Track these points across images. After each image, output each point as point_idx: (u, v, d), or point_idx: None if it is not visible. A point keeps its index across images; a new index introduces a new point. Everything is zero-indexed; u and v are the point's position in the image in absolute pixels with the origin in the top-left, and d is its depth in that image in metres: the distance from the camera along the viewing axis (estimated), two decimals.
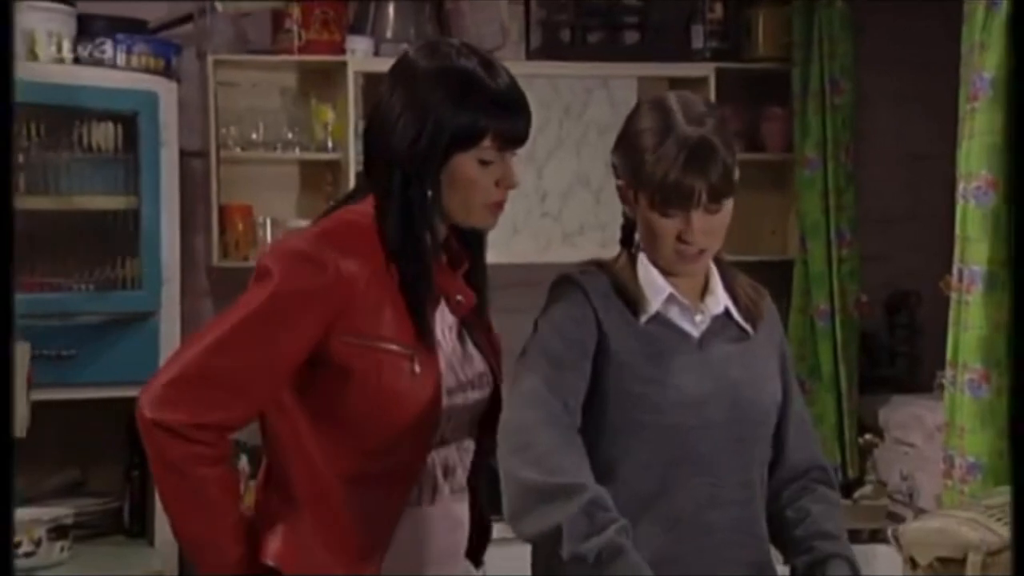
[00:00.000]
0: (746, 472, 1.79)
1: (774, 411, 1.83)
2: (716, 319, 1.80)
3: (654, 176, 1.70)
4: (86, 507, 3.27)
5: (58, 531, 2.95)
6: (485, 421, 1.83)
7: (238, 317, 1.68)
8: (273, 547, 1.72)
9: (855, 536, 3.41)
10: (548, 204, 3.95)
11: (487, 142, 1.70)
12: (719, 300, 1.81)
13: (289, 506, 1.75)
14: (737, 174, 1.75)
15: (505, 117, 1.70)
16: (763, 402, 1.81)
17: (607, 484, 1.72)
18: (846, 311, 3.95)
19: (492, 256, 3.74)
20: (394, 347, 1.69)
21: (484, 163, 1.71)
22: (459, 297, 1.78)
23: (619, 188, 1.80)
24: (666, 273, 1.78)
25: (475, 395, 1.80)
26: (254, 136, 3.88)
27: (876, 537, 3.23)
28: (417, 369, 1.69)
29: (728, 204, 1.74)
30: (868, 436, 3.70)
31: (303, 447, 1.74)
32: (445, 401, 1.74)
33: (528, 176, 3.90)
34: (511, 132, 1.72)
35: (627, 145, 1.77)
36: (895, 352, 4.15)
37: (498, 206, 1.77)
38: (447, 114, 1.67)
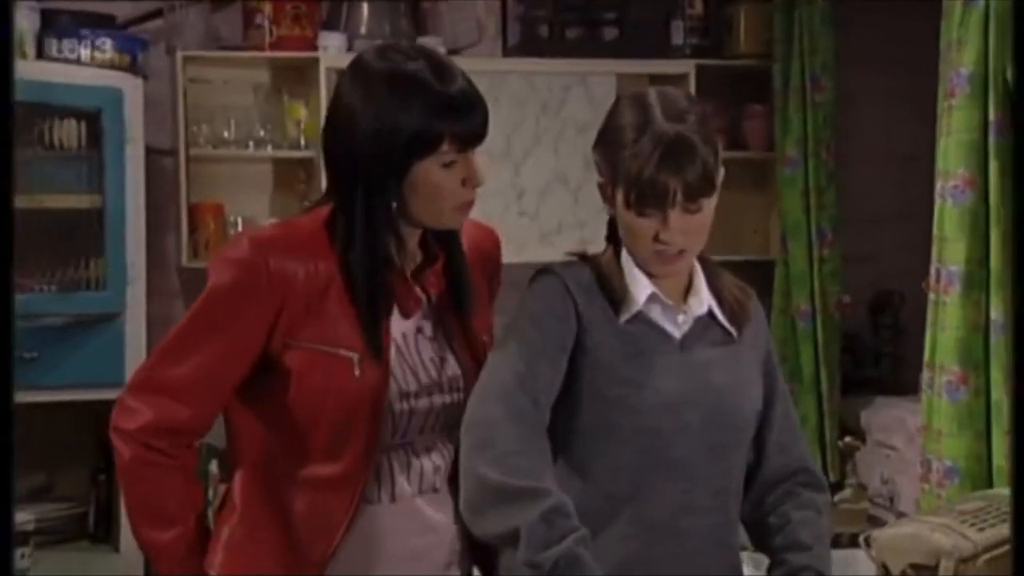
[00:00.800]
0: (722, 479, 1.76)
1: (754, 418, 1.80)
2: (699, 320, 1.77)
3: (629, 173, 1.67)
4: (49, 512, 3.24)
5: (18, 537, 2.92)
6: None
7: (181, 324, 1.71)
8: (213, 556, 1.73)
9: (835, 541, 3.40)
10: (525, 203, 3.93)
11: (445, 146, 1.67)
12: (703, 301, 1.78)
13: (232, 511, 1.75)
14: (721, 173, 1.72)
15: (460, 118, 1.68)
16: (744, 408, 1.77)
17: (580, 484, 1.70)
18: (827, 312, 3.94)
19: None
20: (335, 350, 1.68)
21: (447, 166, 1.69)
22: (406, 298, 1.75)
23: (600, 186, 1.77)
24: (649, 273, 1.75)
25: (446, 398, 1.77)
26: (226, 134, 3.86)
27: (856, 542, 3.21)
28: (358, 372, 1.67)
29: (709, 204, 1.70)
30: (848, 439, 3.68)
31: (250, 451, 1.75)
32: (403, 404, 1.72)
33: (504, 174, 3.90)
34: (468, 132, 1.69)
35: (606, 141, 1.73)
36: (879, 353, 4.15)
37: (468, 206, 1.74)
38: (401, 123, 1.66)
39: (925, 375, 2.83)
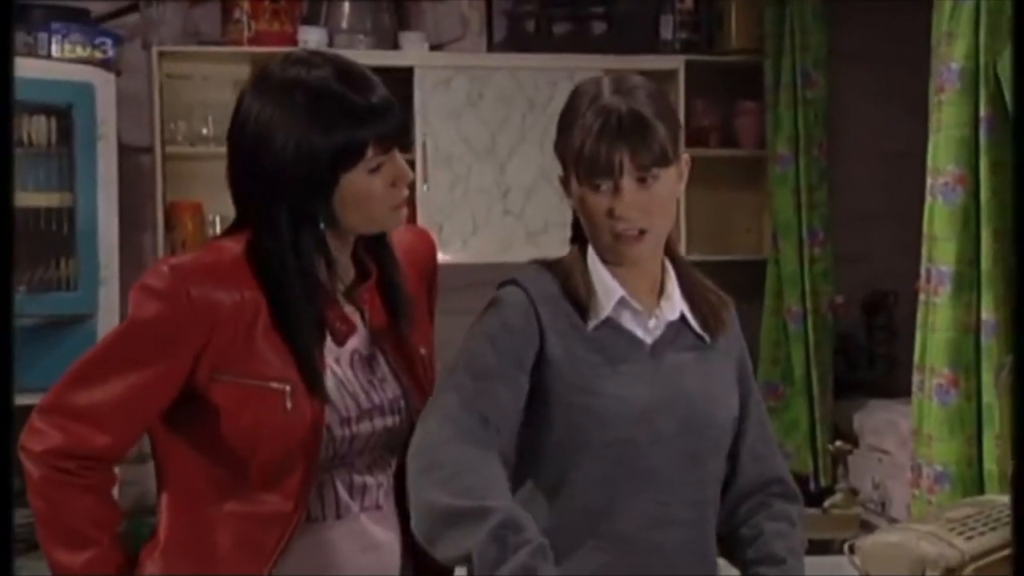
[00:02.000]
0: (698, 490, 1.71)
1: (730, 425, 1.75)
2: (671, 325, 1.72)
3: (576, 147, 1.62)
4: (22, 519, 3.19)
5: None
6: (409, 437, 1.73)
7: (97, 350, 1.64)
8: None
9: (826, 547, 3.37)
10: (510, 201, 3.91)
11: (370, 152, 1.62)
12: (675, 305, 1.73)
13: (155, 545, 1.69)
14: (676, 147, 1.67)
15: (380, 122, 1.62)
16: (718, 415, 1.73)
17: (553, 500, 1.66)
18: (819, 312, 3.93)
19: (450, 255, 3.90)
20: (265, 383, 1.61)
21: (373, 171, 1.63)
22: (339, 325, 1.69)
23: (560, 179, 1.71)
24: (613, 263, 1.70)
25: (386, 421, 1.71)
26: (204, 131, 3.83)
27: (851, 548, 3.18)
28: (289, 405, 1.61)
29: (664, 176, 1.64)
30: (839, 443, 3.66)
31: (175, 480, 1.69)
32: (343, 431, 1.67)
33: (490, 172, 3.89)
34: (390, 133, 1.64)
35: (561, 127, 1.68)
36: (873, 354, 4.14)
37: (403, 204, 1.68)
38: (319, 138, 1.60)
39: (915, 378, 2.80)
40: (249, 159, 1.63)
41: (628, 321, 1.71)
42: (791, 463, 3.77)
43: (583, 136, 1.63)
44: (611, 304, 1.70)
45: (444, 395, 1.63)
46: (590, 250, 1.73)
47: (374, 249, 1.74)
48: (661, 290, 1.74)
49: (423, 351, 1.77)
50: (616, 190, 1.63)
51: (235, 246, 1.64)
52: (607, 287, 1.70)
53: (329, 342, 1.66)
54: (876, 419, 3.73)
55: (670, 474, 1.68)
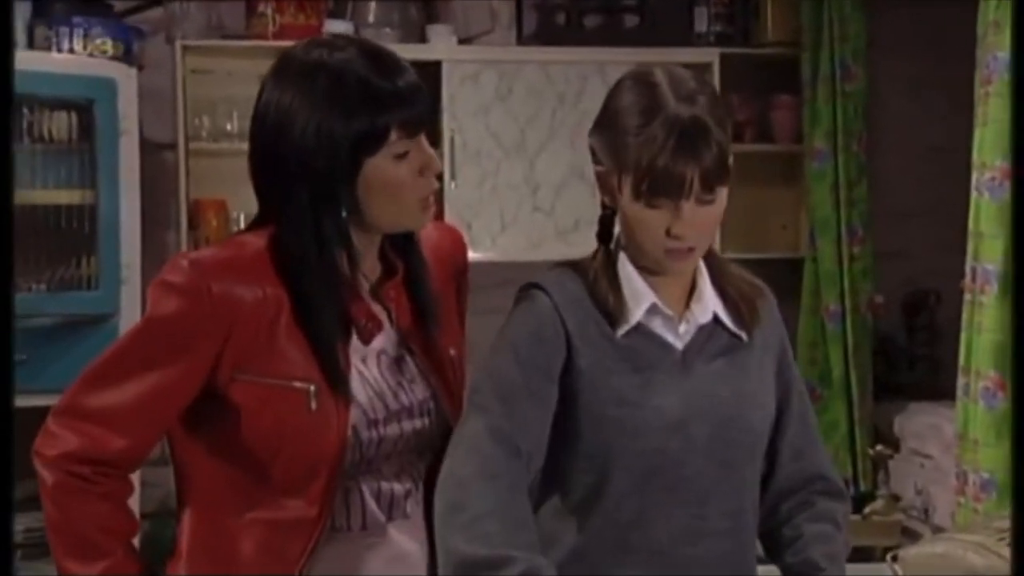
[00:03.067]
0: (734, 499, 1.66)
1: (767, 429, 1.70)
2: (703, 328, 1.67)
3: (639, 162, 1.55)
4: (37, 522, 3.16)
5: None
6: (439, 442, 1.70)
7: (114, 349, 1.60)
8: None
9: (866, 555, 3.30)
10: (540, 198, 3.87)
11: (394, 135, 1.58)
12: (707, 307, 1.67)
13: (178, 559, 1.65)
14: (731, 160, 1.61)
15: (404, 104, 1.58)
16: (754, 421, 1.67)
17: (582, 515, 1.62)
18: (858, 312, 3.88)
19: (479, 254, 3.85)
20: (288, 383, 1.57)
21: (399, 157, 1.59)
22: (365, 321, 1.65)
23: (598, 175, 1.65)
24: (649, 272, 1.65)
25: (415, 424, 1.67)
26: (228, 127, 3.81)
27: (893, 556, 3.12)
28: (314, 405, 1.57)
29: (722, 194, 1.58)
30: (879, 447, 3.60)
31: (196, 490, 1.65)
32: (370, 433, 1.63)
33: (519, 168, 3.85)
34: (415, 117, 1.60)
35: (608, 126, 1.60)
36: (914, 356, 4.09)
37: (431, 198, 1.63)
38: (340, 122, 1.55)
39: (961, 380, 2.74)
40: (271, 146, 1.59)
41: (659, 327, 1.65)
42: None
43: (653, 151, 1.55)
44: (641, 311, 1.64)
45: (471, 422, 1.58)
46: (621, 252, 1.67)
47: (401, 246, 1.69)
48: (692, 290, 1.68)
49: (452, 352, 1.72)
50: (677, 210, 1.57)
51: (257, 241, 1.60)
52: (637, 293, 1.64)
53: (355, 341, 1.62)
54: (918, 422, 3.68)
55: (704, 484, 1.63)
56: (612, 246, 1.69)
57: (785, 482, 1.73)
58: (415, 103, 1.59)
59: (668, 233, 1.58)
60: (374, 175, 1.58)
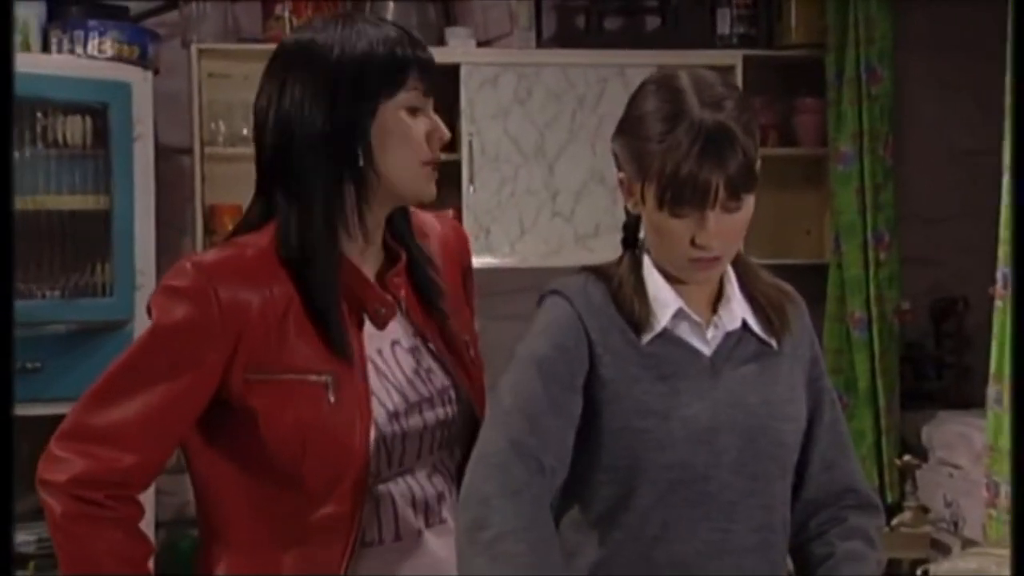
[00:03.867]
0: (763, 515, 1.62)
1: (798, 441, 1.66)
2: (731, 334, 1.63)
3: (663, 169, 1.52)
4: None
5: (17, 559, 2.84)
6: (468, 438, 1.68)
7: (118, 364, 1.56)
8: None
9: (895, 567, 3.25)
10: (560, 203, 3.83)
11: (412, 82, 1.58)
12: (735, 313, 1.64)
13: (210, 567, 1.62)
14: (759, 165, 1.58)
15: (419, 62, 1.58)
16: (785, 432, 1.63)
17: (604, 529, 1.59)
18: (884, 319, 3.82)
19: (497, 259, 3.83)
20: (303, 376, 1.55)
21: (412, 112, 1.60)
22: (378, 306, 1.63)
23: (621, 181, 1.63)
24: (676, 279, 1.62)
25: (439, 413, 1.65)
26: (245, 131, 3.77)
27: (922, 570, 3.07)
28: (332, 398, 1.55)
29: (749, 201, 1.55)
30: (907, 457, 3.55)
31: (222, 513, 1.61)
32: (393, 426, 1.60)
33: (538, 173, 3.82)
34: (428, 78, 1.60)
35: (630, 132, 1.58)
36: (942, 364, 4.03)
37: (434, 166, 1.63)
38: (359, 70, 1.55)
39: (992, 389, 2.69)
40: (276, 127, 1.56)
41: (685, 333, 1.62)
42: None
43: (677, 158, 1.52)
44: (667, 316, 1.61)
45: (493, 436, 1.55)
46: (645, 256, 1.64)
47: (400, 234, 1.68)
48: (720, 295, 1.64)
49: (466, 338, 1.70)
50: (702, 219, 1.54)
51: (258, 240, 1.58)
52: (663, 298, 1.61)
53: (369, 329, 1.60)
54: (947, 432, 3.62)
55: (732, 498, 1.59)
56: (637, 251, 1.66)
57: (815, 494, 1.69)
58: (429, 67, 1.60)
59: (693, 242, 1.55)
60: (389, 121, 1.57)
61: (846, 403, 3.81)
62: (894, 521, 3.48)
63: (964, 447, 3.50)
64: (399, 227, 1.68)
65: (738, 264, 1.67)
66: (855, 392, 3.83)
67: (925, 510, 3.50)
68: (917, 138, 4.10)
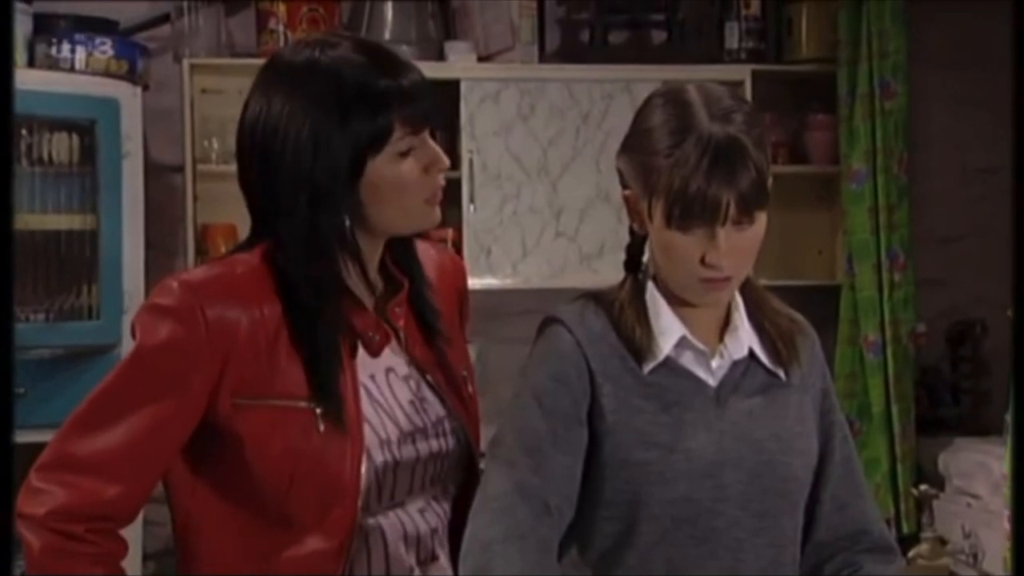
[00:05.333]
0: (771, 553, 1.58)
1: (808, 475, 1.62)
2: (738, 363, 1.60)
3: (671, 184, 1.49)
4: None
5: None
6: (462, 473, 1.67)
7: (100, 389, 1.52)
8: None
9: None
10: (564, 222, 3.80)
11: (397, 132, 1.53)
12: (742, 341, 1.60)
13: None
14: (770, 181, 1.55)
15: (404, 99, 1.54)
16: (794, 465, 1.59)
17: (603, 568, 1.56)
18: (899, 342, 3.79)
19: (499, 280, 3.79)
20: (292, 403, 1.51)
21: (404, 155, 1.55)
22: (371, 333, 1.60)
23: (627, 199, 1.59)
24: (680, 303, 1.58)
25: (433, 445, 1.62)
26: None
27: None
28: (322, 427, 1.51)
29: (761, 218, 1.52)
30: (924, 487, 3.48)
31: (205, 536, 1.57)
32: (385, 455, 1.57)
33: (541, 191, 3.80)
34: (418, 112, 1.56)
35: (636, 147, 1.56)
36: (958, 389, 4.00)
37: (437, 196, 1.59)
38: (339, 123, 1.52)
39: (1011, 415, 2.63)
40: (264, 157, 1.53)
41: (689, 362, 1.58)
42: None
43: (685, 174, 1.48)
44: (670, 344, 1.57)
45: (495, 478, 1.51)
46: (649, 282, 1.60)
47: (403, 262, 1.65)
48: (727, 322, 1.60)
49: (464, 372, 1.68)
50: (712, 236, 1.50)
51: (250, 258, 1.54)
52: (666, 325, 1.57)
53: (362, 356, 1.57)
54: (964, 460, 3.58)
55: (739, 536, 1.55)
56: (640, 275, 1.62)
57: (827, 536, 1.64)
58: (418, 97, 1.54)
59: (703, 261, 1.51)
60: (377, 176, 1.53)
61: (859, 429, 3.77)
62: (911, 553, 3.41)
63: (982, 476, 3.45)
64: (401, 252, 1.65)
65: (747, 291, 1.63)
66: (869, 418, 3.79)
67: (943, 542, 3.44)
68: (933, 155, 4.07)
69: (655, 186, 1.51)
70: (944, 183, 4.10)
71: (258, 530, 1.53)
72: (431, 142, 1.57)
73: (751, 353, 1.60)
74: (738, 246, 1.51)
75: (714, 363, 1.58)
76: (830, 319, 3.85)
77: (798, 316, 1.68)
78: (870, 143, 3.80)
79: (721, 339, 1.59)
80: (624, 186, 1.59)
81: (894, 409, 3.75)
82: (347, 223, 1.54)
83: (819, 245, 4.08)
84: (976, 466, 3.50)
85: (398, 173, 1.54)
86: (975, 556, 3.43)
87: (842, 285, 3.89)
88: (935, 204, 4.07)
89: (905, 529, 3.65)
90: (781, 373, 1.61)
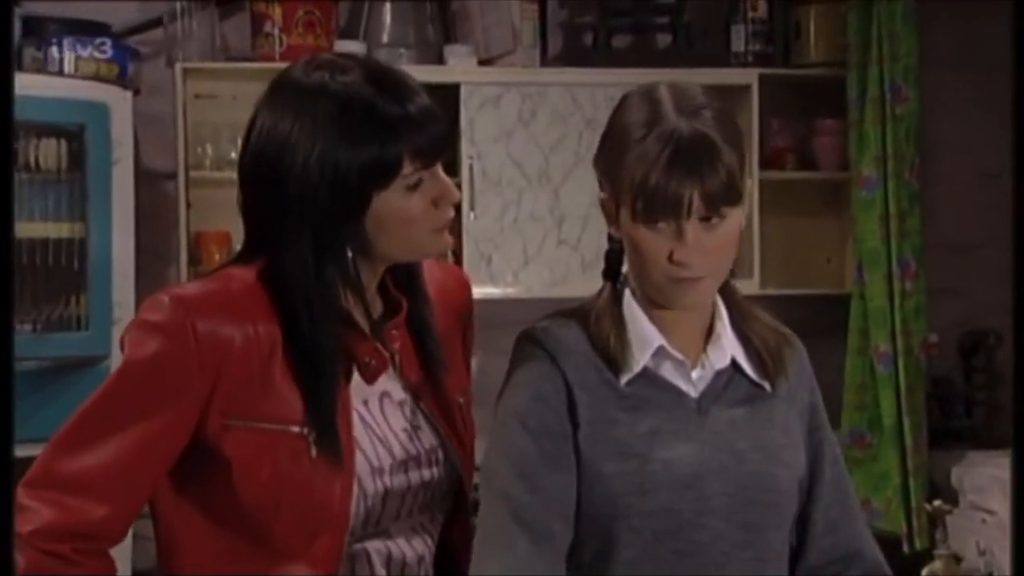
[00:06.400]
0: (757, 568, 1.56)
1: (795, 489, 1.60)
2: (720, 373, 1.58)
3: (634, 179, 1.49)
4: None
5: None
6: (451, 501, 1.65)
7: (88, 404, 1.51)
8: None
9: None
10: (566, 230, 3.78)
11: (406, 167, 1.51)
12: (724, 350, 1.58)
13: None
14: (748, 182, 1.56)
15: (417, 132, 1.52)
16: (779, 478, 1.57)
17: None
18: (911, 353, 3.74)
19: (499, 289, 3.74)
20: (284, 427, 1.50)
21: (412, 188, 1.53)
22: (368, 359, 1.57)
23: (602, 203, 1.59)
24: (660, 311, 1.56)
25: (423, 475, 1.59)
26: (233, 155, 3.70)
27: None
28: (315, 452, 1.49)
29: (733, 216, 1.51)
30: (938, 503, 3.48)
31: (189, 558, 1.55)
32: (376, 483, 1.54)
33: (543, 198, 3.78)
34: (430, 145, 1.54)
35: (607, 146, 1.56)
36: (971, 401, 3.98)
37: (445, 228, 1.58)
38: (346, 153, 1.49)
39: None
40: (267, 181, 1.51)
41: (669, 372, 1.56)
42: (881, 523, 3.60)
43: (644, 165, 1.48)
44: (647, 355, 1.55)
45: (493, 509, 1.50)
46: (626, 290, 1.58)
47: (404, 282, 1.63)
48: (709, 332, 1.58)
49: (461, 400, 1.65)
50: (679, 232, 1.49)
51: (246, 274, 1.53)
52: (643, 335, 1.56)
53: (357, 382, 1.55)
54: (978, 474, 3.55)
55: (724, 549, 1.53)
56: (619, 284, 1.60)
57: (818, 559, 1.63)
58: (429, 129, 1.52)
59: (671, 259, 1.49)
60: (384, 209, 1.51)
61: (870, 442, 3.74)
62: (924, 571, 3.42)
63: (997, 490, 3.42)
64: (404, 274, 1.63)
65: (731, 302, 1.62)
66: (880, 431, 3.74)
67: (957, 559, 3.44)
68: (945, 161, 4.05)
69: (621, 182, 1.51)
70: (957, 189, 4.07)
71: (242, 554, 1.51)
72: (441, 174, 1.56)
73: (734, 363, 1.59)
74: (709, 244, 1.50)
75: (695, 373, 1.57)
76: (839, 329, 3.82)
77: (785, 329, 1.66)
78: (881, 148, 3.76)
79: (704, 349, 1.58)
80: (600, 189, 1.58)
81: (906, 422, 3.70)
82: (349, 254, 1.53)
83: (827, 253, 4.06)
84: (990, 480, 3.47)
85: (406, 207, 1.52)
86: (990, 574, 3.40)
87: (851, 294, 3.85)
88: (948, 211, 4.04)
89: (918, 546, 3.61)
90: (766, 384, 1.59)
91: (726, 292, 1.61)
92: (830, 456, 1.65)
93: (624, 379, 1.55)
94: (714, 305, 1.60)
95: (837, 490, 1.64)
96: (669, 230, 1.49)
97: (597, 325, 1.56)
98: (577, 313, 1.60)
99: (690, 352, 1.58)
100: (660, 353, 1.56)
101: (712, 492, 1.53)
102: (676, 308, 1.56)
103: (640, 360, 1.55)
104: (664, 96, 1.52)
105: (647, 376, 1.56)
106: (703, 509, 1.52)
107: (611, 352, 1.55)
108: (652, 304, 1.56)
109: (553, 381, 1.54)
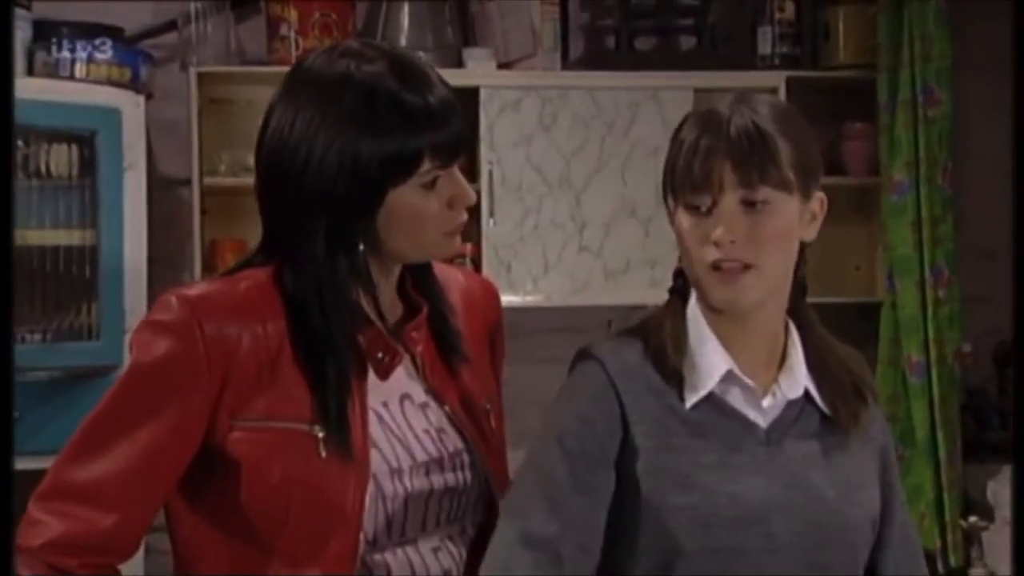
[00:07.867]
0: None
1: (868, 529, 1.55)
2: (792, 404, 1.53)
3: (671, 160, 1.52)
4: None
5: None
6: (481, 513, 1.61)
7: (97, 411, 1.52)
8: None
9: None
10: (587, 237, 3.74)
11: (425, 164, 1.50)
12: (798, 379, 1.53)
13: None
14: (804, 175, 1.50)
15: (438, 128, 1.50)
16: (853, 516, 1.52)
17: None
18: (944, 363, 3.72)
19: (519, 297, 3.72)
20: (293, 425, 1.49)
21: (428, 187, 1.52)
22: (381, 354, 1.55)
23: (669, 214, 1.56)
24: (728, 333, 1.51)
25: (448, 478, 1.57)
26: (249, 160, 3.68)
27: None
28: (324, 452, 1.47)
29: (781, 204, 1.47)
30: (973, 518, 3.42)
31: (196, 558, 1.53)
32: (395, 485, 1.52)
33: (564, 204, 3.76)
34: (450, 144, 1.52)
35: (669, 156, 1.55)
36: (1007, 412, 3.90)
37: (457, 231, 1.57)
38: (367, 145, 1.49)
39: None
40: (286, 171, 1.50)
41: (736, 399, 1.51)
42: None
43: (681, 147, 1.48)
44: (715, 379, 1.50)
45: (504, 527, 1.48)
46: (692, 306, 1.53)
47: (421, 283, 1.62)
48: (782, 360, 1.53)
49: (487, 406, 1.63)
50: (713, 206, 1.46)
51: (256, 274, 1.53)
52: (711, 357, 1.50)
53: (374, 382, 1.53)
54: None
55: None
56: (684, 300, 1.56)
57: None
58: (449, 125, 1.51)
59: (708, 240, 1.47)
60: (398, 206, 1.50)
61: (902, 455, 3.68)
62: None
63: None
64: (419, 275, 1.62)
65: (806, 329, 1.56)
66: (912, 443, 3.70)
67: None
68: (979, 166, 4.00)
69: (667, 171, 1.52)
70: (991, 195, 4.00)
71: (255, 561, 1.50)
72: (458, 176, 1.54)
73: (807, 394, 1.53)
74: (747, 227, 1.45)
75: (765, 402, 1.51)
76: (869, 338, 3.77)
77: (859, 357, 1.62)
78: (912, 153, 3.74)
79: (775, 376, 1.53)
80: (664, 202, 1.56)
81: (939, 434, 3.67)
82: (361, 249, 1.52)
83: (857, 260, 4.03)
84: None
85: (420, 205, 1.52)
86: None
87: (882, 302, 3.82)
88: (981, 217, 4.00)
89: (953, 563, 3.57)
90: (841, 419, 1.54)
91: (803, 323, 1.56)
92: (899, 501, 1.61)
93: (689, 403, 1.50)
94: (787, 329, 1.55)
95: (904, 536, 1.60)
96: (707, 210, 1.47)
97: (660, 345, 1.52)
98: (639, 332, 1.56)
99: (759, 378, 1.52)
100: (728, 378, 1.51)
101: (780, 530, 1.48)
102: (719, 307, 1.50)
103: (707, 383, 1.50)
104: (726, 97, 1.52)
105: (713, 402, 1.51)
106: (770, 547, 1.47)
107: (675, 373, 1.51)
108: (713, 318, 1.52)
109: (606, 403, 1.50)
